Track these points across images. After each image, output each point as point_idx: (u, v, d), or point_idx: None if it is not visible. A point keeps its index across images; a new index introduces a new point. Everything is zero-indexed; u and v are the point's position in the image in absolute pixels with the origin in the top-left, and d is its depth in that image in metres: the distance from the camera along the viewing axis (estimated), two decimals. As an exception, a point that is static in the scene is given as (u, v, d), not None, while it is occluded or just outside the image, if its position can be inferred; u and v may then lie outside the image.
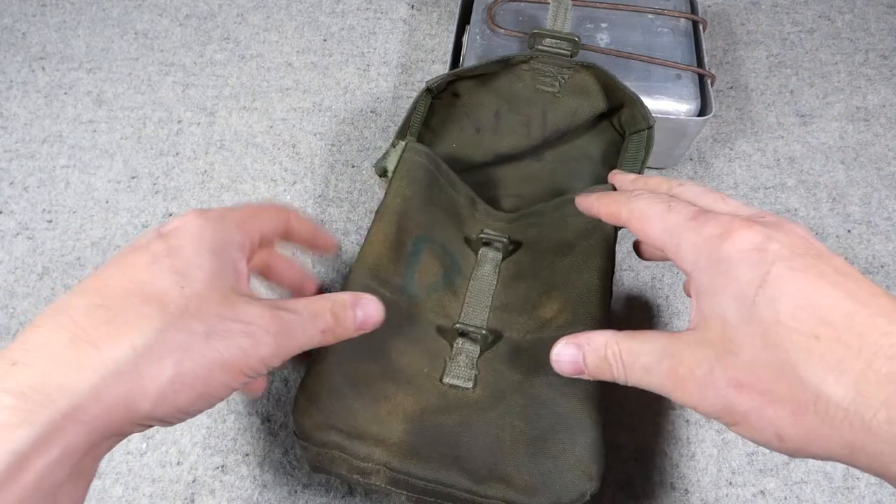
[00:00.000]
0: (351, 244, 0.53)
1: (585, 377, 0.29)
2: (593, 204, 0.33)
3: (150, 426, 0.23)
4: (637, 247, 0.36)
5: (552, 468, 0.32)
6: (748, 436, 0.23)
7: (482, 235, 0.43)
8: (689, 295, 0.27)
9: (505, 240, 0.42)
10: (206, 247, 0.25)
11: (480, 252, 0.43)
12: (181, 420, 0.24)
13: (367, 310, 0.29)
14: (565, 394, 0.35)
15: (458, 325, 0.38)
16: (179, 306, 0.23)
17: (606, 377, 0.27)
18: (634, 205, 0.29)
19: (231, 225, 0.27)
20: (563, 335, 0.37)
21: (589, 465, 0.33)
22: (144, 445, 0.44)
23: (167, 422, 0.23)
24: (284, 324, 0.25)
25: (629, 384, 0.27)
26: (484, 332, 0.38)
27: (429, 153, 0.43)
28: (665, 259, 0.38)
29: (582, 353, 0.28)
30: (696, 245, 0.25)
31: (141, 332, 0.22)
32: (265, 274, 0.35)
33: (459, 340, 0.38)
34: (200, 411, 0.24)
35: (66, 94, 0.62)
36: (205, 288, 0.24)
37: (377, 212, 0.41)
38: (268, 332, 0.24)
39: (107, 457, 0.43)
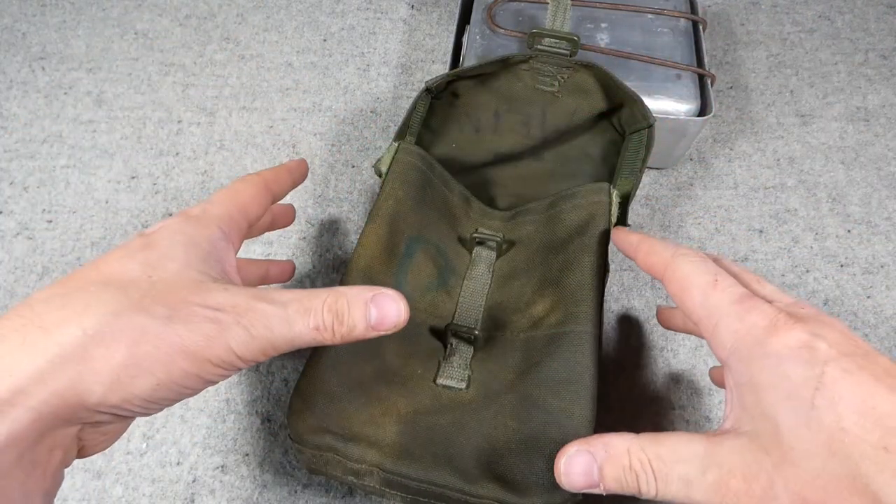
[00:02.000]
0: (351, 244, 0.53)
1: (600, 491, 0.24)
2: (633, 245, 0.31)
3: (115, 415, 0.22)
4: (662, 314, 0.33)
5: (544, 468, 0.32)
6: None
7: (476, 235, 0.43)
8: (718, 384, 0.26)
9: (499, 239, 0.42)
10: (184, 240, 0.24)
11: (474, 251, 0.43)
12: (147, 411, 0.22)
13: (384, 308, 0.25)
14: (557, 393, 0.35)
15: (451, 326, 0.38)
16: (142, 291, 0.22)
17: (631, 491, 0.23)
18: (679, 266, 0.26)
19: (212, 221, 0.26)
20: (554, 334, 0.37)
21: None
22: (144, 445, 0.44)
23: (129, 410, 0.22)
24: (260, 315, 0.22)
25: (661, 499, 0.23)
26: (477, 332, 0.38)
27: (421, 154, 0.43)
28: (689, 332, 0.35)
29: (597, 463, 0.24)
30: (738, 333, 0.23)
31: (95, 315, 0.21)
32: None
33: (453, 341, 0.38)
34: (168, 401, 0.22)
35: (66, 94, 0.62)
36: (174, 276, 0.22)
37: (370, 213, 0.41)
38: (238, 322, 0.22)
39: (107, 457, 0.43)
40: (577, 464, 0.24)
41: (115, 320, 0.21)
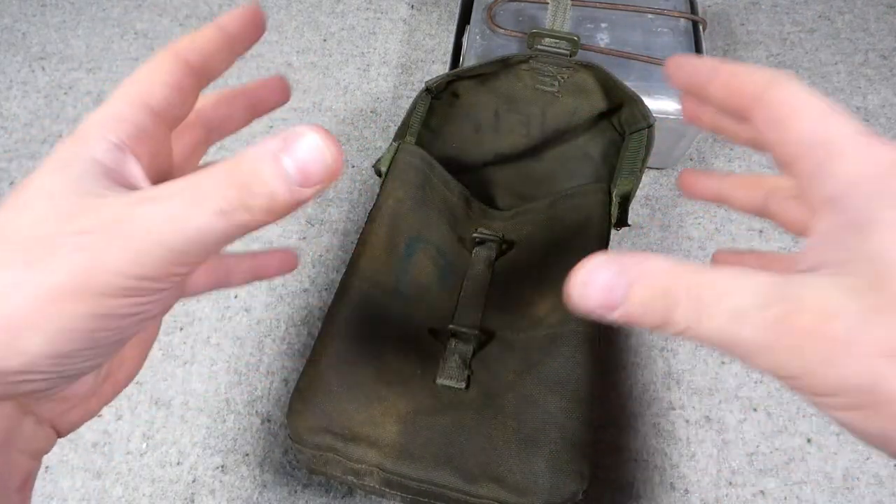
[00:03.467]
0: (351, 244, 0.53)
1: (615, 320, 0.18)
2: (704, 70, 0.22)
3: (43, 380, 0.18)
4: (687, 178, 0.27)
5: (544, 467, 0.32)
6: (875, 430, 0.16)
7: (476, 235, 0.43)
8: (795, 233, 0.20)
9: (498, 239, 0.42)
10: (53, 168, 0.19)
11: (474, 251, 0.43)
12: (77, 368, 0.19)
13: (301, 154, 0.17)
14: (556, 392, 0.35)
15: (451, 326, 0.38)
16: None
17: (657, 322, 0.18)
18: (787, 86, 0.20)
19: (89, 132, 0.19)
20: (554, 334, 0.37)
21: (580, 465, 0.33)
22: (144, 445, 0.44)
23: (48, 372, 0.18)
24: (140, 222, 0.17)
25: (696, 337, 0.18)
26: (476, 332, 0.38)
27: (421, 154, 0.43)
28: (720, 199, 0.27)
29: (626, 279, 0.18)
30: (863, 166, 0.18)
31: None
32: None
33: (452, 341, 0.38)
34: (91, 352, 0.18)
35: (66, 94, 0.62)
36: (39, 214, 0.18)
37: (370, 214, 0.41)
38: (111, 241, 0.17)
39: (107, 457, 0.43)
40: (601, 275, 0.18)
41: None
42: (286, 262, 0.28)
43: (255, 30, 0.23)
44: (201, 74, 0.22)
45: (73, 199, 0.18)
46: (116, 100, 0.20)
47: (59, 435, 0.22)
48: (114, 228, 0.17)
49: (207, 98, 0.24)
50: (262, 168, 0.17)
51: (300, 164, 0.17)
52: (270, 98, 0.25)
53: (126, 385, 0.24)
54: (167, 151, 0.21)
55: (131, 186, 0.19)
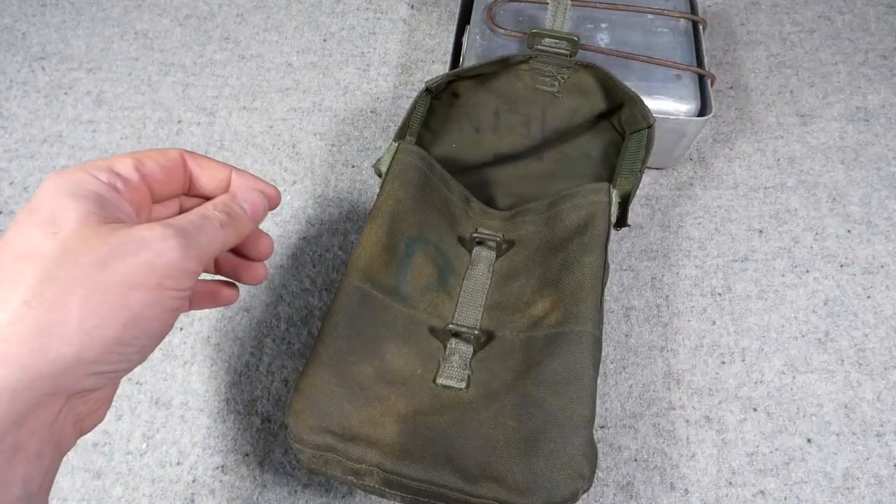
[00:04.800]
0: (351, 244, 0.53)
1: None
2: None
3: (98, 374, 0.22)
4: None
5: (544, 467, 0.32)
6: None
7: (476, 235, 0.43)
8: None
9: (498, 238, 0.42)
10: (67, 192, 0.23)
11: (474, 251, 0.43)
12: (128, 360, 0.23)
13: (249, 199, 0.28)
14: (557, 392, 0.35)
15: (451, 326, 0.38)
16: (57, 250, 0.21)
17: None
18: None
19: (91, 169, 0.24)
20: (554, 334, 0.37)
21: (581, 464, 0.33)
22: (144, 445, 0.44)
23: (110, 364, 0.22)
24: (179, 227, 0.23)
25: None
26: (476, 332, 0.38)
27: (421, 154, 0.43)
28: None
29: None
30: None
31: (27, 286, 0.20)
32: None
33: (452, 341, 0.38)
34: (141, 343, 0.23)
35: (66, 94, 0.62)
36: (80, 225, 0.22)
37: (370, 214, 0.41)
38: (164, 240, 0.23)
39: (107, 456, 0.43)
40: None
41: (51, 284, 0.21)
42: (227, 291, 0.33)
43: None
44: (196, 187, 0.29)
45: (109, 221, 0.23)
46: (120, 159, 0.26)
47: (83, 434, 0.25)
48: (165, 234, 0.23)
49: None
50: (232, 205, 0.27)
51: (253, 206, 0.28)
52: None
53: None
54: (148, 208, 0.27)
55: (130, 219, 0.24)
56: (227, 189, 0.29)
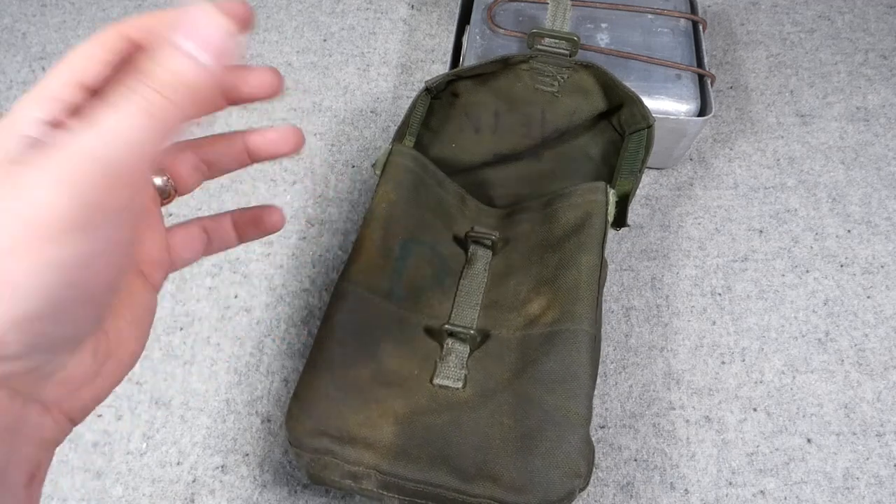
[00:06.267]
0: (351, 244, 0.53)
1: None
2: None
3: (9, 366, 0.17)
4: None
5: (540, 466, 0.32)
6: None
7: (471, 233, 0.43)
8: None
9: (494, 237, 0.42)
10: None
11: (470, 250, 0.43)
12: (42, 341, 0.17)
13: (198, 32, 0.17)
14: (553, 391, 0.35)
15: (447, 326, 0.38)
16: None
17: None
18: None
19: (24, 106, 0.18)
20: (550, 332, 0.37)
21: (577, 463, 0.33)
22: (144, 445, 0.44)
23: (12, 344, 0.17)
24: (72, 150, 0.16)
25: None
26: (472, 332, 0.38)
27: (414, 155, 0.43)
28: None
29: None
30: None
31: None
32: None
33: (449, 341, 0.38)
34: (53, 319, 0.17)
35: (66, 94, 0.62)
36: None
37: (364, 218, 0.41)
38: (41, 180, 0.16)
39: (107, 457, 0.43)
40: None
41: None
42: (269, 216, 0.27)
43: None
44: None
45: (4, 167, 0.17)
46: (50, 78, 0.19)
47: (74, 422, 0.22)
48: (45, 165, 0.16)
49: None
50: (168, 62, 0.17)
51: (199, 39, 0.17)
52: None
53: (131, 365, 0.23)
54: None
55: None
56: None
